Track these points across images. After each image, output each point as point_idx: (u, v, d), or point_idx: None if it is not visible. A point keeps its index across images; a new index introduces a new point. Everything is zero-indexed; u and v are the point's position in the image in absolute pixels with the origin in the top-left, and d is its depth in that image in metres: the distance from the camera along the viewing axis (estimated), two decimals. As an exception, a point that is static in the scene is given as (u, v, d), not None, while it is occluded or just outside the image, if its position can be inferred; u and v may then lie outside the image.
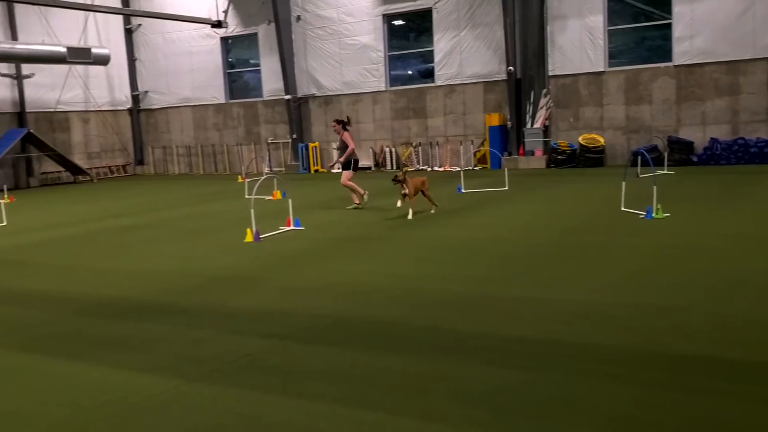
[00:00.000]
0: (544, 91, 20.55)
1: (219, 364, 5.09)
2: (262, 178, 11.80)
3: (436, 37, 22.21)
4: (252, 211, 10.62)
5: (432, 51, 22.46)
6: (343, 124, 13.42)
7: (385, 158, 23.49)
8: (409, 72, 23.99)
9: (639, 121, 19.68)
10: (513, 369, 4.66)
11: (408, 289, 6.97)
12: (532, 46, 20.41)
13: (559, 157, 19.91)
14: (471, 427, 3.85)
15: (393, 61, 23.61)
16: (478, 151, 21.65)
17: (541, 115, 20.51)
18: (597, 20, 19.76)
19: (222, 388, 4.61)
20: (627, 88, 19.74)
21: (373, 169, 23.69)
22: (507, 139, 21.24)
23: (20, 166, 24.79)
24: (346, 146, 13.28)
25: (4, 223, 13.81)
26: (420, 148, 22.93)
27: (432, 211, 11.99)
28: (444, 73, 22.27)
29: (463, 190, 15.14)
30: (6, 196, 17.28)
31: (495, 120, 21.13)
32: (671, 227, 9.62)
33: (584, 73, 20.19)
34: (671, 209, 10.75)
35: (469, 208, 12.85)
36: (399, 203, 11.97)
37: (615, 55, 20.09)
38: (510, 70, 20.66)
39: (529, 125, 20.66)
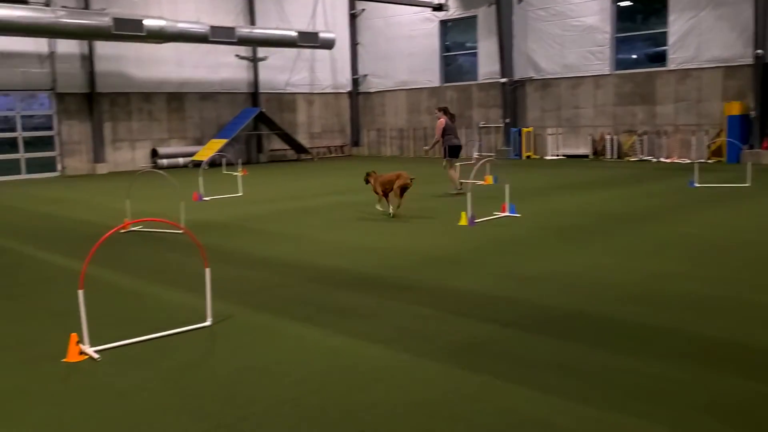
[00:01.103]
0: (799, 76, 18.12)
1: (443, 342, 5.02)
2: (479, 163, 11.69)
3: (671, 18, 20.50)
4: (468, 195, 10.51)
5: (665, 33, 20.78)
6: (445, 111, 13.62)
7: (605, 146, 22.22)
8: (634, 56, 22.40)
9: None
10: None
11: (645, 287, 6.40)
12: (787, 25, 18.07)
13: (813, 152, 17.46)
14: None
15: (617, 44, 22.19)
16: (714, 142, 19.67)
17: (793, 104, 18.11)
18: None
19: (448, 367, 4.53)
20: None
21: (590, 157, 22.55)
22: (749, 130, 19.05)
23: (252, 142, 27.07)
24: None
25: (241, 193, 15.11)
26: (645, 137, 21.37)
27: (390, 213, 11.04)
28: (677, 57, 20.51)
29: (696, 184, 13.81)
30: (240, 169, 18.88)
31: (735, 109, 19.08)
32: None
33: None
34: None
35: (706, 203, 11.72)
36: (390, 210, 11.17)
37: None
38: (759, 53, 18.46)
39: (776, 115, 18.36)
